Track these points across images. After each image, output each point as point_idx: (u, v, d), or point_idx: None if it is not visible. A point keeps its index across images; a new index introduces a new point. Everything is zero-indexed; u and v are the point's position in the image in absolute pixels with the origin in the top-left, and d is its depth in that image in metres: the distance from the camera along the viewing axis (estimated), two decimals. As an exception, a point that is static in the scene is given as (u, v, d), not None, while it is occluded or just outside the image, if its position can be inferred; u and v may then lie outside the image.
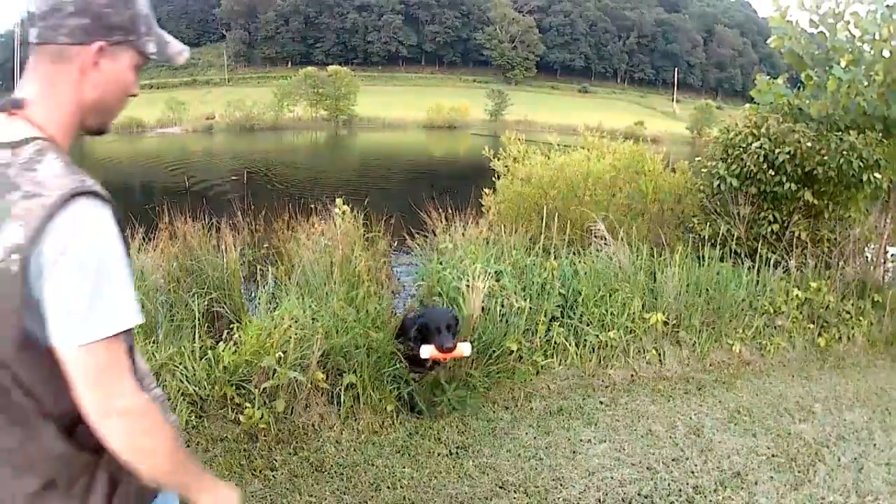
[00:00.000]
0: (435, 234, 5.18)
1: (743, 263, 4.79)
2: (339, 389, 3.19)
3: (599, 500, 2.71)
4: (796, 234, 5.06)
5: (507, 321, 3.83)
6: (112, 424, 1.01)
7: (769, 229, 5.09)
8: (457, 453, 3.01)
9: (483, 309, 3.68)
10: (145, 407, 1.05)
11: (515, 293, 3.93)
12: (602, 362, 3.96)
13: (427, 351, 2.97)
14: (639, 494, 2.75)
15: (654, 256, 4.68)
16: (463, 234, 5.16)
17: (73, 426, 1.05)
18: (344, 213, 4.75)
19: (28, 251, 0.94)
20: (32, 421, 1.03)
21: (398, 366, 3.32)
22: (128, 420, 1.02)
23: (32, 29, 1.07)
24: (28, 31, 1.08)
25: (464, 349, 3.02)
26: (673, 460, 3.04)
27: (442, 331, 2.93)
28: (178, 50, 1.21)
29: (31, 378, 1.01)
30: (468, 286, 3.67)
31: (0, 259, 0.94)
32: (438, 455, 2.98)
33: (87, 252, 0.97)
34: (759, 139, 5.01)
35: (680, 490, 2.80)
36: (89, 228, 0.98)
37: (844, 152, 4.71)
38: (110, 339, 1.00)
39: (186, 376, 3.16)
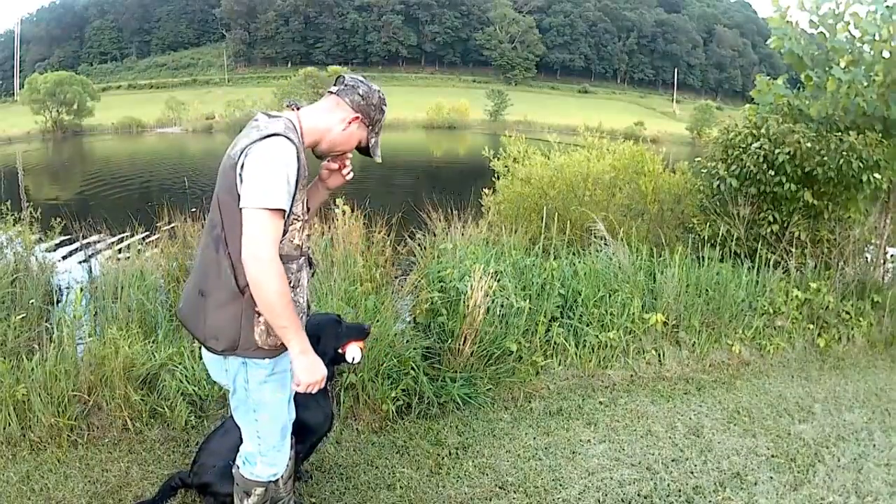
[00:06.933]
0: (435, 235, 5.18)
1: (743, 264, 4.79)
2: (339, 389, 3.19)
3: (599, 501, 2.71)
4: (796, 234, 5.05)
5: (506, 321, 3.82)
6: (246, 263, 1.71)
7: (769, 230, 5.09)
8: (457, 453, 3.01)
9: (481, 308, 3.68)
10: (272, 258, 1.70)
11: (515, 293, 3.93)
12: (602, 362, 3.96)
13: (353, 351, 2.42)
14: (638, 495, 2.75)
15: (653, 257, 4.68)
16: (463, 234, 5.16)
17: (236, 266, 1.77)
18: (344, 212, 4.75)
19: (245, 152, 1.76)
20: (221, 251, 1.79)
21: (398, 364, 3.32)
22: (256, 263, 1.70)
23: (335, 86, 1.98)
24: (337, 81, 1.99)
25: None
26: (672, 461, 3.04)
27: (340, 332, 2.43)
28: (377, 153, 2.02)
29: (228, 221, 1.77)
30: (468, 286, 3.67)
31: (237, 153, 1.77)
32: (438, 455, 2.98)
33: (257, 159, 1.73)
34: (758, 139, 5.00)
35: (680, 490, 2.80)
36: (265, 149, 1.74)
37: (844, 153, 4.71)
38: (258, 210, 1.70)
39: (186, 376, 3.17)
